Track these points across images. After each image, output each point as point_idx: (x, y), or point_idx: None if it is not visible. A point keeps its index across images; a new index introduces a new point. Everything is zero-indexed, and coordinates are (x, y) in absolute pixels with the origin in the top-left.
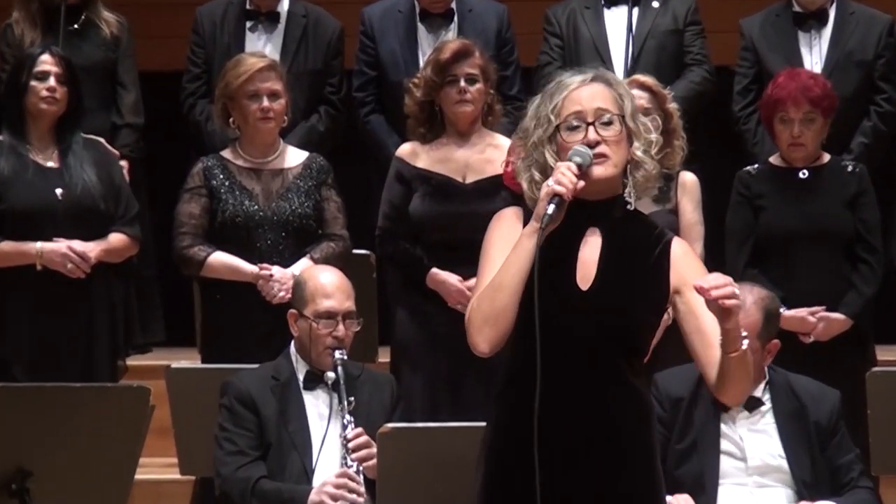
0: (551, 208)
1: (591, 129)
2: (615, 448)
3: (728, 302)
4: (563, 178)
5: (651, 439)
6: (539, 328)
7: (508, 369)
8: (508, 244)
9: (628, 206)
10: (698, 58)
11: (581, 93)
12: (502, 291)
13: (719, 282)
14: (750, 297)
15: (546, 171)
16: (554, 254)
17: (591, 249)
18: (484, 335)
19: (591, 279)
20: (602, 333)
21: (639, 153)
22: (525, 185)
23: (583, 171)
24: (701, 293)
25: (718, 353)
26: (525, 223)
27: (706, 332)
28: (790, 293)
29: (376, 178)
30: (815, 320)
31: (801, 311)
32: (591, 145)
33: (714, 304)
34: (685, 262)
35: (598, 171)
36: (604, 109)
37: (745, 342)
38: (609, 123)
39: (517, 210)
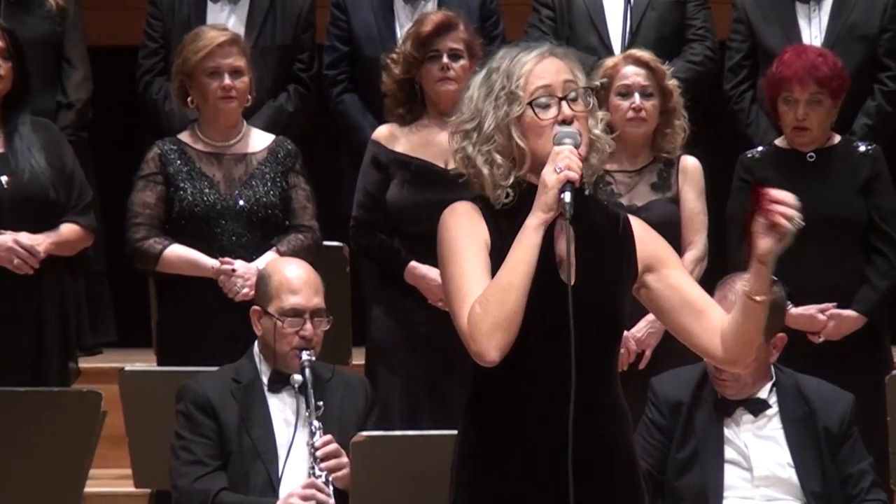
0: (568, 196)
1: (563, 104)
2: (600, 449)
3: (786, 223)
4: (572, 162)
5: (631, 441)
6: (534, 327)
7: (497, 373)
8: (479, 241)
9: (585, 192)
10: (701, 32)
11: (545, 66)
12: (512, 292)
13: (787, 198)
14: None
15: (510, 154)
16: (544, 240)
17: (565, 243)
18: (495, 342)
19: (573, 274)
20: (590, 328)
21: (597, 130)
22: (485, 171)
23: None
24: (765, 200)
25: (718, 315)
26: (488, 217)
27: (695, 301)
28: (798, 288)
29: (350, 164)
30: (826, 318)
31: (811, 309)
32: (567, 122)
33: (766, 225)
34: (649, 237)
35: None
36: (571, 82)
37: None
38: (575, 98)
39: (469, 205)
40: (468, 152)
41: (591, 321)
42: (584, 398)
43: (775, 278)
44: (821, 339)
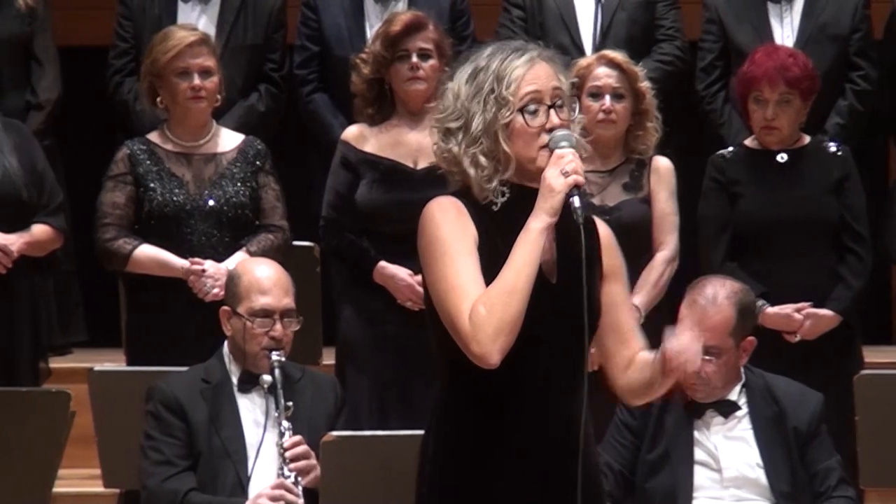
0: (577, 200)
1: (552, 112)
2: (570, 444)
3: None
4: (578, 166)
5: (592, 438)
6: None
7: (484, 374)
8: (469, 239)
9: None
10: (670, 32)
11: (536, 71)
12: (517, 295)
13: (686, 353)
14: (722, 292)
15: (496, 157)
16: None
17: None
18: (499, 345)
19: (554, 272)
20: (571, 327)
21: (577, 133)
22: (472, 172)
23: None
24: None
25: (636, 348)
26: (474, 214)
27: (624, 328)
28: (772, 287)
29: (320, 164)
30: (802, 318)
31: (787, 308)
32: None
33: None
34: (611, 247)
35: None
36: (559, 89)
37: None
38: (562, 106)
39: (455, 201)
40: (453, 152)
41: (572, 317)
42: (563, 396)
43: (745, 286)
44: (797, 339)
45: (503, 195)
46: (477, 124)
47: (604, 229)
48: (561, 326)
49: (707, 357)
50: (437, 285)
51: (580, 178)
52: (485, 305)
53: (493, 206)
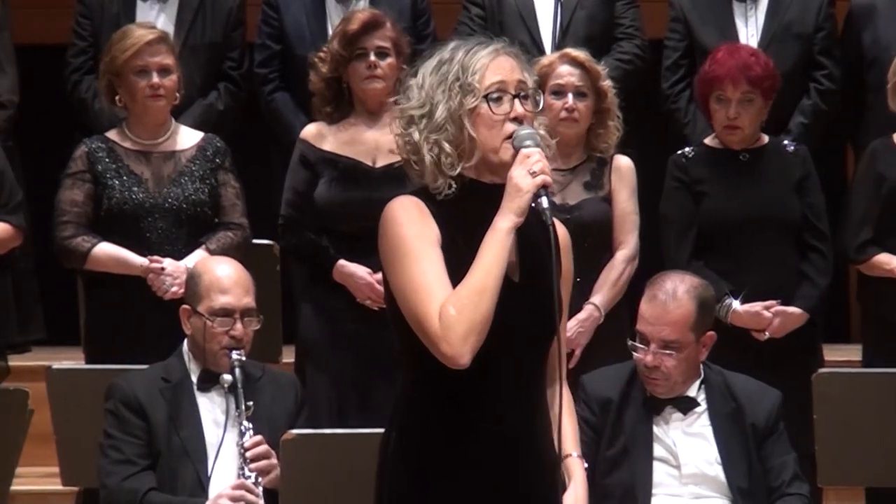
0: (545, 201)
1: (517, 102)
2: (532, 446)
3: None
4: (546, 166)
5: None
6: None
7: (450, 373)
8: (431, 237)
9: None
10: (630, 31)
11: (501, 62)
12: (487, 296)
13: None
14: (682, 287)
15: (460, 145)
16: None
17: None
18: (470, 345)
19: (516, 269)
20: (535, 326)
21: (542, 131)
22: (428, 159)
23: None
24: None
25: (552, 371)
26: (434, 212)
27: (553, 346)
28: (738, 286)
29: (281, 162)
30: (771, 315)
31: (756, 306)
32: (519, 120)
33: None
34: (567, 250)
35: None
36: (523, 82)
37: None
38: (526, 98)
39: (416, 200)
40: (414, 138)
41: (535, 315)
42: (526, 395)
43: (704, 280)
44: (766, 337)
45: (456, 188)
46: (441, 112)
47: (562, 231)
48: (525, 325)
49: (667, 351)
50: (402, 286)
51: (548, 179)
52: (454, 306)
53: (449, 200)
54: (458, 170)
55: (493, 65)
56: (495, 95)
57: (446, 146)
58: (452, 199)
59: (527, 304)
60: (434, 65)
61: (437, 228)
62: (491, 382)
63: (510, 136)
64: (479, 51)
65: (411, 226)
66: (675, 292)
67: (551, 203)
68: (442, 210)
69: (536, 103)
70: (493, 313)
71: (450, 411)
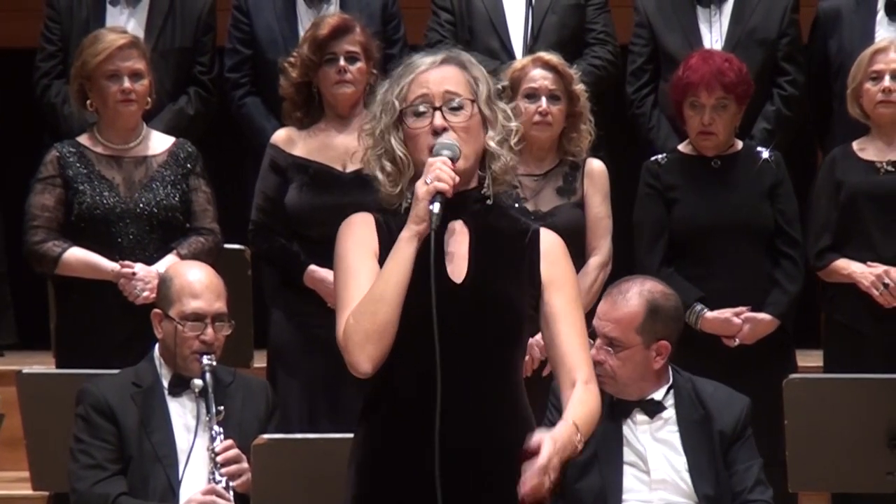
0: (437, 207)
1: (437, 113)
2: (500, 455)
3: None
4: (443, 173)
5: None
6: (418, 328)
7: (385, 378)
8: (366, 251)
9: (487, 202)
10: (601, 36)
11: (430, 75)
12: (384, 304)
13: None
14: (637, 289)
15: (396, 161)
16: (423, 251)
17: (457, 242)
18: (367, 353)
19: (463, 272)
20: (481, 327)
21: (492, 143)
22: (380, 176)
23: (455, 164)
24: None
25: (572, 375)
26: (381, 227)
27: (560, 349)
28: (710, 292)
29: (252, 167)
30: (741, 322)
31: (726, 312)
32: (437, 131)
33: None
34: (554, 257)
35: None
36: (452, 93)
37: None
38: (459, 108)
39: (365, 215)
40: (368, 156)
41: (481, 317)
42: (480, 396)
43: (670, 290)
44: (736, 343)
45: (408, 200)
46: (378, 129)
47: (548, 238)
48: (469, 327)
49: (608, 348)
50: (336, 300)
51: (442, 185)
52: (353, 316)
53: (405, 212)
54: (399, 187)
55: (420, 77)
56: (420, 109)
57: (387, 164)
58: (406, 211)
59: (470, 305)
60: (388, 81)
61: (378, 242)
62: (431, 392)
63: (432, 148)
64: (416, 62)
65: (347, 243)
66: (628, 292)
67: (442, 211)
68: (399, 222)
69: (502, 110)
70: (397, 321)
71: (392, 422)
